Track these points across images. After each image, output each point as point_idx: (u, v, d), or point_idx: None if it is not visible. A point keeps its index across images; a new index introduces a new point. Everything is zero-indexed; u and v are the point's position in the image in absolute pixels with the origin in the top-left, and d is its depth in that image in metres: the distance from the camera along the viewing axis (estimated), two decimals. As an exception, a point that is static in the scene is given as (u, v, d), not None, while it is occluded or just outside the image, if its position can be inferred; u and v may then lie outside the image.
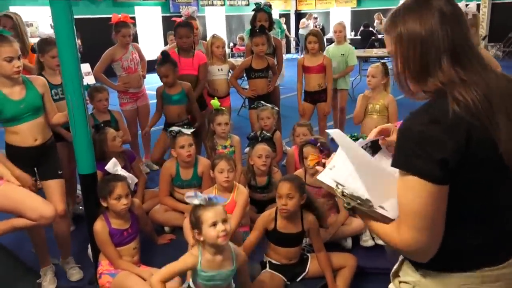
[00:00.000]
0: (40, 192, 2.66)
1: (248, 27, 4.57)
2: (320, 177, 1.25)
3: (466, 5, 3.61)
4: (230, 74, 4.45)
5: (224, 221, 1.97)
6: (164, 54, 3.89)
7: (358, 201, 1.15)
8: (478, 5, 12.95)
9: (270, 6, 4.80)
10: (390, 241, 1.13)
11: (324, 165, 1.30)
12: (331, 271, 2.45)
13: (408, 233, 1.07)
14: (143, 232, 2.99)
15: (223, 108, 3.68)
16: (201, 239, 1.99)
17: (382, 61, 4.55)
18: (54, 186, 2.69)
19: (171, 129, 3.30)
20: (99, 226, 2.55)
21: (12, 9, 10.44)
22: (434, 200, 1.04)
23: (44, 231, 2.72)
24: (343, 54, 5.09)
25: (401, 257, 1.26)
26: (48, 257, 2.78)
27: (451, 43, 1.08)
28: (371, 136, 1.38)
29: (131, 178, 2.66)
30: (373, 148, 1.35)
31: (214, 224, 1.93)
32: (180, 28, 3.98)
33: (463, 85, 1.06)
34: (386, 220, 1.15)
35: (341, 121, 5.30)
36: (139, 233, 2.77)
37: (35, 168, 2.68)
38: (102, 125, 3.33)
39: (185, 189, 3.18)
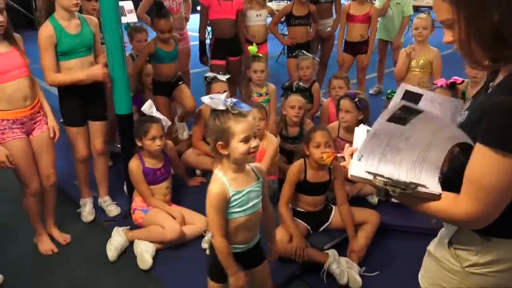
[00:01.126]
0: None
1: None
2: (353, 172, 1.14)
3: None
4: (268, 20, 4.34)
5: (255, 136, 1.69)
6: (159, 3, 3.41)
7: (402, 186, 1.09)
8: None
9: None
10: (444, 215, 1.11)
11: (343, 158, 1.22)
12: (352, 225, 2.49)
13: (477, 208, 1.05)
14: (176, 173, 3.11)
15: (260, 55, 3.63)
16: (225, 153, 1.67)
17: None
18: (98, 127, 2.83)
19: (206, 75, 3.31)
20: (134, 164, 2.67)
21: None
22: None
23: (88, 166, 2.90)
24: (399, 3, 4.78)
25: (451, 227, 1.23)
26: (88, 190, 2.97)
27: None
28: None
29: (165, 121, 2.73)
30: (407, 110, 1.11)
31: (247, 140, 1.64)
32: None
33: None
34: (435, 197, 1.10)
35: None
36: (172, 174, 2.89)
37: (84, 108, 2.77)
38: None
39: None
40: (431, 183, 1.10)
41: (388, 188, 1.10)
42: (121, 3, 12.92)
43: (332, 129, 3.03)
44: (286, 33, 4.67)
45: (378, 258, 2.52)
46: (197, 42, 4.18)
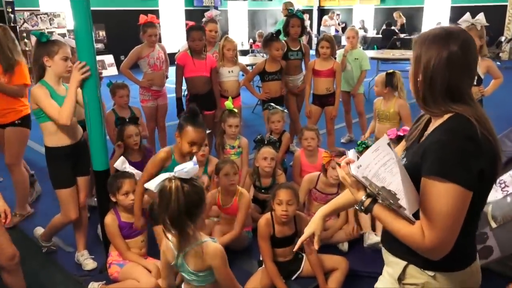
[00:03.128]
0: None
1: (270, 22, 4.65)
2: (354, 173, 1.30)
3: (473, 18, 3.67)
4: (240, 76, 4.58)
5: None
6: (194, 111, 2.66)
7: (390, 200, 1.24)
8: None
9: (302, 12, 4.93)
10: (412, 241, 1.26)
11: (338, 165, 1.40)
12: (321, 272, 2.58)
13: (436, 234, 1.21)
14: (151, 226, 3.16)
15: (235, 111, 3.82)
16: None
17: (399, 64, 4.65)
18: (84, 182, 2.95)
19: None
20: (110, 219, 2.74)
21: (41, 0, 10.79)
22: (465, 204, 1.22)
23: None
24: (357, 59, 5.19)
25: (401, 263, 1.40)
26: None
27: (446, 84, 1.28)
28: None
29: (139, 175, 2.83)
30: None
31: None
32: (194, 31, 4.10)
33: (472, 112, 1.27)
34: (410, 221, 1.27)
35: (362, 124, 5.40)
36: (147, 227, 2.95)
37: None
38: (127, 120, 3.52)
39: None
40: (409, 211, 1.25)
41: (378, 197, 1.26)
42: (102, 57, 13.20)
43: (310, 180, 3.18)
44: (260, 85, 4.90)
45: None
46: (173, 95, 4.36)
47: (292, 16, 4.59)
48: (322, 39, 4.49)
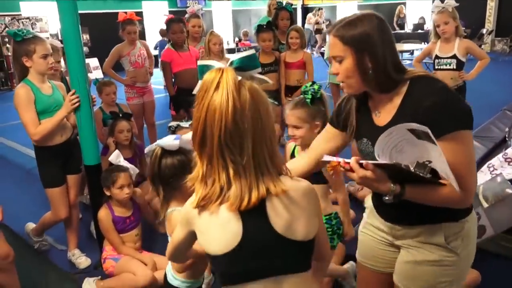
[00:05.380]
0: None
1: (254, 21, 4.67)
2: (381, 160, 1.25)
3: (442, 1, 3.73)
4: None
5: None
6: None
7: (425, 170, 1.22)
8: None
9: (291, 4, 4.92)
10: (453, 200, 1.30)
11: (344, 169, 1.29)
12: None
13: (471, 181, 1.30)
14: (145, 220, 3.15)
15: None
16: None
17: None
18: (74, 180, 2.93)
19: (170, 124, 3.44)
20: (103, 213, 2.71)
21: (22, 4, 10.68)
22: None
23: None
24: None
25: (435, 226, 1.42)
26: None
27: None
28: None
29: (133, 169, 2.81)
30: (426, 135, 1.28)
31: None
32: (174, 24, 4.08)
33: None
34: (441, 184, 1.28)
35: None
36: (142, 221, 2.93)
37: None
38: (120, 115, 3.50)
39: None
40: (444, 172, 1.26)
41: (417, 171, 1.22)
42: (87, 61, 13.18)
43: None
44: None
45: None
46: (162, 95, 4.34)
47: (281, 9, 4.59)
48: (292, 30, 4.45)
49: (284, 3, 4.68)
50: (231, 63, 1.16)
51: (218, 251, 1.12)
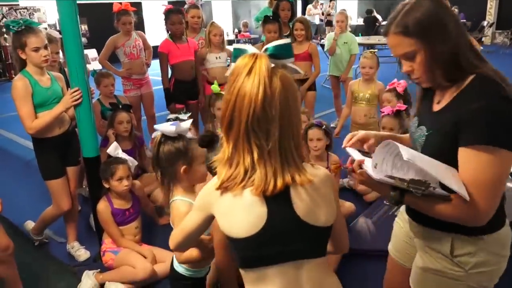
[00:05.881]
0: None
1: (254, 12, 4.61)
2: (376, 177, 1.24)
3: None
4: (228, 62, 4.53)
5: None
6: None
7: (423, 187, 1.17)
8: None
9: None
10: (462, 217, 1.22)
11: (348, 169, 1.35)
12: None
13: (489, 202, 1.19)
14: (145, 213, 3.14)
15: (223, 93, 3.76)
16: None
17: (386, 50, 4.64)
18: (73, 172, 2.90)
19: (168, 117, 3.41)
20: (102, 206, 2.70)
21: (20, -6, 10.56)
22: (509, 168, 1.20)
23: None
24: (346, 43, 5.14)
25: (446, 237, 1.33)
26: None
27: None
28: (348, 143, 1.46)
29: (132, 161, 2.79)
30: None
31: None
32: (173, 14, 4.01)
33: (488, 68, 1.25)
34: (446, 198, 1.21)
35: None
36: (141, 213, 2.92)
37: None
38: (120, 106, 3.46)
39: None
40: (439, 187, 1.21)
41: (411, 189, 1.17)
42: (85, 52, 13.07)
43: None
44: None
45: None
46: (160, 87, 4.30)
47: None
48: (296, 21, 4.41)
49: None
50: (266, 50, 1.15)
51: (241, 234, 1.11)
